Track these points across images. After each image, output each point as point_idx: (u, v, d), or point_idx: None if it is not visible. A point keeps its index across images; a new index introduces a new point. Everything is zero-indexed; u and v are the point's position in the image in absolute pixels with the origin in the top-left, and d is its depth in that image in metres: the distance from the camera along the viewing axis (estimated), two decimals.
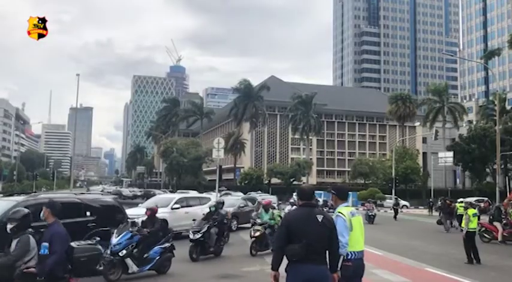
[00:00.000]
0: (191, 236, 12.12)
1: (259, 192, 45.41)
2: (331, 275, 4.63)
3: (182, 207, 17.28)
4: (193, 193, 33.99)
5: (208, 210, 14.56)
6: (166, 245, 10.25)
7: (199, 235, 12.05)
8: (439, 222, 24.53)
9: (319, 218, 4.60)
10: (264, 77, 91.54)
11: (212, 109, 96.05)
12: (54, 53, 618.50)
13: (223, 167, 57.75)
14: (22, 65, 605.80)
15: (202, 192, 38.22)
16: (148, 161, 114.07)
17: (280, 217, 13.56)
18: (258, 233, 13.22)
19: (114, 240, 9.01)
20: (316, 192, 34.96)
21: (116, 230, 9.33)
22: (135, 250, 9.28)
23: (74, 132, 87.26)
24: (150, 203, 18.17)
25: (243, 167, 71.67)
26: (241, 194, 40.75)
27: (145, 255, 9.71)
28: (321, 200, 34.69)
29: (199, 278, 9.97)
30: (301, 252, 4.46)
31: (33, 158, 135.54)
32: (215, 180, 35.13)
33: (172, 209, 16.78)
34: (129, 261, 9.14)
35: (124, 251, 8.95)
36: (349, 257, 5.10)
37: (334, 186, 5.70)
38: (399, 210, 35.93)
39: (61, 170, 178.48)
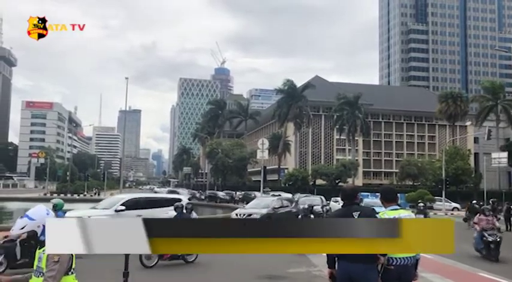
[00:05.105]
0: None
1: (309, 194, 44.43)
2: (370, 274, 4.56)
3: (135, 209, 14.74)
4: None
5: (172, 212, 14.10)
6: None
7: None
8: (465, 220, 26.11)
9: (355, 214, 4.63)
10: (307, 77, 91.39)
11: (256, 110, 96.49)
12: (102, 57, 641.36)
13: (267, 167, 57.79)
14: (73, 69, 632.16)
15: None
16: (194, 162, 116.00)
17: None
18: None
19: None
20: (363, 193, 34.42)
21: None
22: None
23: (123, 134, 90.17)
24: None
25: (287, 168, 71.48)
26: (288, 195, 40.74)
27: None
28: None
29: (242, 278, 9.96)
30: None
31: (85, 159, 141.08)
32: (260, 180, 35.40)
33: (116, 211, 14.43)
34: None
35: None
36: (391, 262, 4.94)
37: (381, 187, 5.59)
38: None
39: (111, 170, 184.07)
